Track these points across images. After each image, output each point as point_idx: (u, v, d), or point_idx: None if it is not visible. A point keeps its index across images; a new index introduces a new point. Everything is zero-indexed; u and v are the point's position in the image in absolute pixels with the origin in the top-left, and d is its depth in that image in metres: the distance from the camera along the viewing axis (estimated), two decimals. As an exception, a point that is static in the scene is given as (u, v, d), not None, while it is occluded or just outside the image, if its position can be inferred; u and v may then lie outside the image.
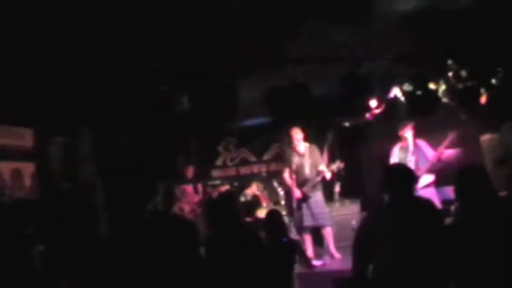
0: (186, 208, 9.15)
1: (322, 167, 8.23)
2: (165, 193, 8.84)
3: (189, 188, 9.50)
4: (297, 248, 6.37)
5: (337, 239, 8.38)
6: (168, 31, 6.68)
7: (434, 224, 4.18)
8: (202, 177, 9.73)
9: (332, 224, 8.43)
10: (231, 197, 5.37)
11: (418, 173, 7.71)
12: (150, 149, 10.13)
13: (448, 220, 5.14)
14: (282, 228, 5.73)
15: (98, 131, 8.78)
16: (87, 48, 6.73)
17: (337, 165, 8.32)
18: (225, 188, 9.80)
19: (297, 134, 8.41)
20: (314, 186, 8.23)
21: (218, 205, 5.15)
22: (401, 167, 4.75)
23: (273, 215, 5.88)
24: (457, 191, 4.02)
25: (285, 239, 5.70)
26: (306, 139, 8.48)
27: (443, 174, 8.19)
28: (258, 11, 6.29)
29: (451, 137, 7.90)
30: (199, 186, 9.64)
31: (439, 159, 7.94)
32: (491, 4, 6.63)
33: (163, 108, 8.76)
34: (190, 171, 9.70)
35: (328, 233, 8.30)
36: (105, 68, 7.39)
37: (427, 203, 4.44)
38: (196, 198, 9.44)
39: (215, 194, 9.44)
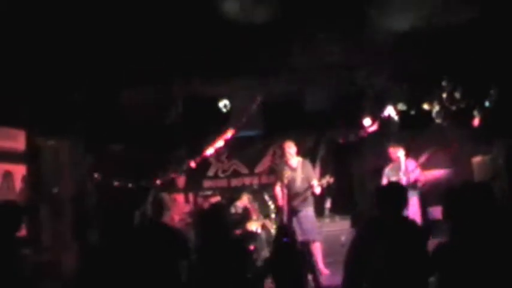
0: (176, 218, 9.09)
1: (314, 182, 8.23)
2: (155, 201, 8.83)
3: (180, 197, 9.47)
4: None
5: (326, 255, 8.36)
6: (161, 42, 6.73)
7: (421, 244, 4.22)
8: (193, 188, 9.69)
9: (321, 240, 8.42)
10: (221, 209, 5.37)
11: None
12: (142, 157, 10.13)
13: (435, 241, 5.18)
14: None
15: (91, 136, 8.78)
16: (85, 54, 6.75)
17: (326, 179, 8.29)
18: (216, 198, 9.75)
19: (290, 148, 8.41)
20: (304, 201, 8.22)
21: (208, 216, 5.15)
22: (394, 186, 4.79)
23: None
24: (445, 211, 4.05)
25: (285, 239, 5.70)
26: (299, 153, 8.49)
27: (432, 194, 8.27)
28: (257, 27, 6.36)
29: (427, 153, 8.03)
30: (190, 196, 9.59)
31: (424, 183, 8.08)
32: (486, 27, 6.70)
33: (158, 117, 8.78)
34: (181, 181, 9.67)
35: (316, 248, 8.26)
36: (102, 74, 7.42)
37: (413, 223, 4.54)
38: (187, 208, 9.40)
39: (206, 205, 9.40)
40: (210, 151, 9.69)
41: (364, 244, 4.36)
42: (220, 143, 9.49)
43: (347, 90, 8.95)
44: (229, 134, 9.49)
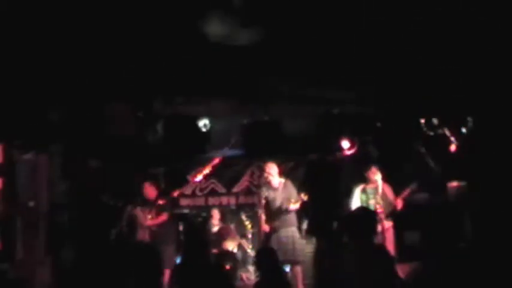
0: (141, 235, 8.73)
1: (292, 200, 8.16)
2: (129, 218, 8.76)
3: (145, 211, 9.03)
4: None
5: (303, 277, 8.31)
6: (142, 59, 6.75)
7: (390, 269, 4.25)
8: (170, 205, 9.58)
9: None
10: (197, 229, 5.38)
11: (381, 216, 7.83)
12: (120, 173, 10.08)
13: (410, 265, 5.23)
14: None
15: (69, 151, 8.73)
16: (66, 69, 6.74)
17: (300, 197, 8.15)
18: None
19: (271, 169, 8.41)
20: (284, 221, 8.19)
21: (184, 239, 5.16)
22: (364, 213, 4.80)
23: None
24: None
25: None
26: (281, 174, 8.52)
27: (408, 219, 8.34)
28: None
29: (410, 188, 8.13)
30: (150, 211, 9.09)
31: (400, 208, 8.15)
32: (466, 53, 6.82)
33: (138, 134, 8.76)
34: (152, 192, 9.19)
35: (297, 270, 8.18)
36: (83, 90, 7.40)
37: (382, 248, 4.68)
38: (148, 222, 8.84)
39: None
40: (199, 178, 9.64)
41: (334, 269, 4.38)
42: (207, 170, 9.48)
43: (326, 114, 9.02)
44: (216, 160, 9.49)
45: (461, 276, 3.81)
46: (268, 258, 5.67)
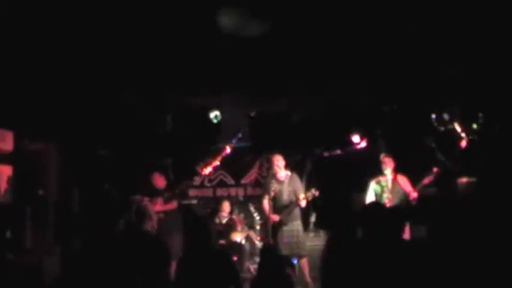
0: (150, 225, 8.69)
1: (300, 195, 8.21)
2: (138, 209, 8.75)
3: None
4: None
5: (310, 269, 8.30)
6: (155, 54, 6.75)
7: (402, 266, 4.20)
8: (178, 196, 9.57)
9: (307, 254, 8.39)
10: (204, 220, 5.38)
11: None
12: (128, 163, 10.10)
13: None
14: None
15: (80, 140, 8.76)
16: (78, 59, 6.75)
17: (312, 193, 8.20)
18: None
19: (279, 161, 8.41)
20: (290, 214, 8.21)
21: (191, 227, 5.15)
22: (377, 208, 4.75)
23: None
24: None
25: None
26: (287, 167, 8.51)
27: (415, 213, 8.29)
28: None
29: (433, 174, 7.99)
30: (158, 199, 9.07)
31: (415, 199, 8.05)
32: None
33: (149, 125, 8.77)
34: (160, 181, 9.20)
35: (304, 264, 8.24)
36: (94, 80, 7.41)
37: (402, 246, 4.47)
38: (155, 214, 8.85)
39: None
40: (208, 170, 9.62)
41: (342, 267, 4.32)
42: (217, 162, 9.45)
43: (336, 106, 9.00)
44: (227, 150, 9.46)
45: (468, 271, 3.79)
46: (270, 258, 5.64)
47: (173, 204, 8.83)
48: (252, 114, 8.69)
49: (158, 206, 8.72)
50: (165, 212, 8.68)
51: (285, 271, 5.73)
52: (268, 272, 5.42)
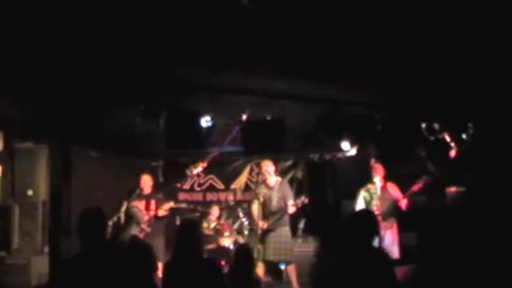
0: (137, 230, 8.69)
1: (289, 202, 8.22)
2: (127, 213, 8.74)
3: (141, 203, 9.00)
4: None
5: (298, 275, 8.33)
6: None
7: (388, 274, 4.25)
8: (168, 199, 9.57)
9: (294, 260, 8.40)
10: (194, 225, 5.36)
11: (380, 218, 7.83)
12: (119, 164, 10.08)
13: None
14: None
15: (70, 141, 8.72)
16: (68, 62, 6.72)
17: (301, 200, 8.23)
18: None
19: (268, 167, 8.44)
20: (279, 220, 8.21)
21: (179, 232, 5.14)
22: (366, 215, 4.80)
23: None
24: None
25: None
26: (276, 172, 8.53)
27: (405, 220, 8.34)
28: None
29: (422, 180, 8.05)
30: (153, 203, 9.09)
31: (405, 206, 8.12)
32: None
33: (139, 126, 8.73)
34: (148, 185, 9.18)
35: (291, 269, 8.28)
36: (84, 81, 7.38)
37: (381, 250, 4.53)
38: (146, 216, 8.84)
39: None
40: (197, 170, 9.63)
41: (331, 271, 4.36)
42: (205, 164, 9.47)
43: (328, 112, 9.00)
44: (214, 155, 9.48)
45: (457, 279, 3.82)
46: (243, 257, 5.67)
47: (170, 204, 9.04)
48: (244, 118, 8.67)
49: (162, 213, 8.83)
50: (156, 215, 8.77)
51: (255, 272, 5.80)
52: (241, 270, 5.48)
